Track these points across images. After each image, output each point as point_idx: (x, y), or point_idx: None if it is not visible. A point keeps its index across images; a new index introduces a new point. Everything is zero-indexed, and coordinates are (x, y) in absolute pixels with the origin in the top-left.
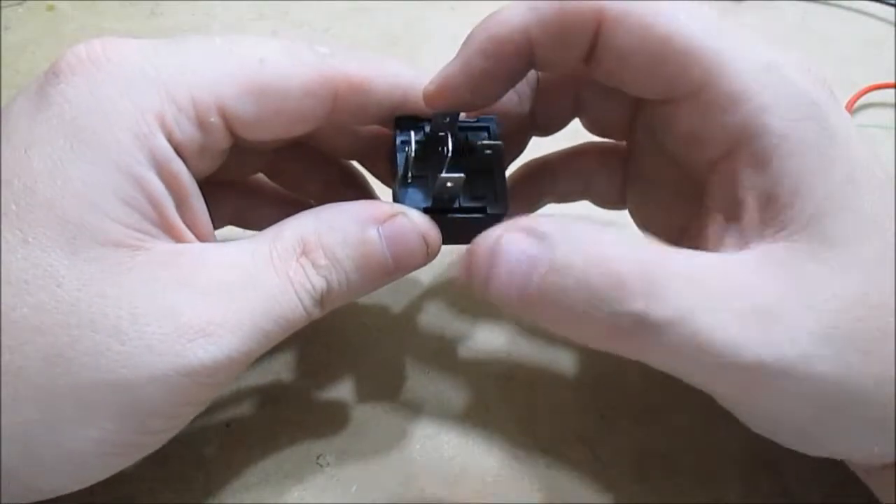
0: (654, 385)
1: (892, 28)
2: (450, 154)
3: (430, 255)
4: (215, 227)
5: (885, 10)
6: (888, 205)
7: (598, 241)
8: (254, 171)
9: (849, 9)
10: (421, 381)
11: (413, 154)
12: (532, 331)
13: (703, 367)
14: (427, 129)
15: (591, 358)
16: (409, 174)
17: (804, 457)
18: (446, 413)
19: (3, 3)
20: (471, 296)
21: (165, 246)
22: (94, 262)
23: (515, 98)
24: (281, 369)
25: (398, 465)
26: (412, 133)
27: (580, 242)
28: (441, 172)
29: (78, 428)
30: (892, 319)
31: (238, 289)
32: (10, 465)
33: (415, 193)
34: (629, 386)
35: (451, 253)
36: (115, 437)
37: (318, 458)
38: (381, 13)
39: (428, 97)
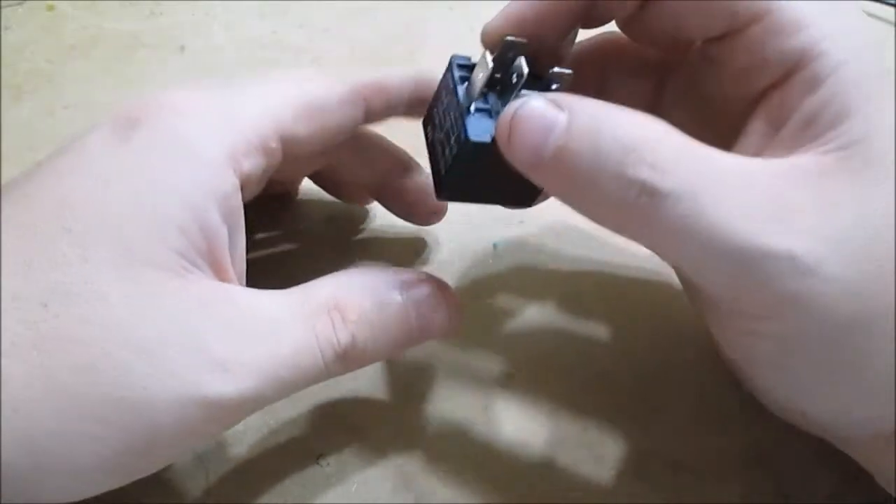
0: (654, 385)
1: (893, 28)
2: (524, 76)
3: (452, 322)
4: None
5: (885, 10)
6: None
7: (615, 112)
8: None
9: None
10: (421, 381)
11: (489, 72)
12: (533, 330)
13: (704, 250)
14: (489, 55)
15: (591, 358)
16: (473, 105)
17: (804, 457)
18: (446, 413)
19: (3, 3)
20: (471, 296)
21: (206, 280)
22: (140, 283)
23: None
24: None
25: (398, 465)
26: (483, 57)
27: (598, 111)
28: (514, 95)
29: (88, 442)
30: None
31: (264, 334)
32: (15, 470)
33: (479, 125)
34: (631, 385)
35: (454, 253)
36: (120, 457)
37: (318, 458)
38: (381, 13)
39: (488, 32)
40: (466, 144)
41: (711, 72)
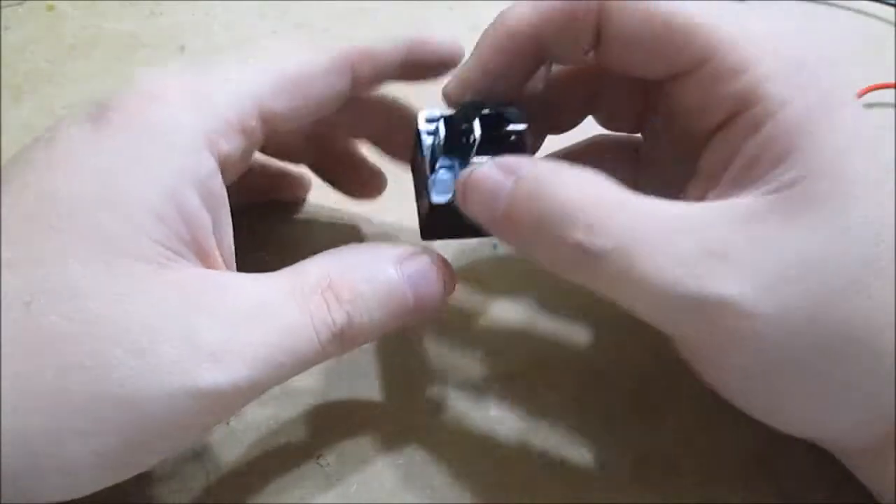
0: (654, 385)
1: (892, 28)
2: (477, 141)
3: (447, 294)
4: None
5: (885, 10)
6: (885, 175)
7: (555, 174)
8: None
9: (849, 9)
10: (421, 381)
11: (441, 142)
12: (532, 331)
13: (648, 299)
14: (443, 125)
15: (591, 358)
16: (438, 164)
17: (804, 457)
18: (447, 413)
19: (3, 3)
20: (471, 296)
21: (192, 268)
22: (123, 276)
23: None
24: None
25: (398, 465)
26: (440, 123)
27: (538, 174)
28: (470, 158)
29: (81, 440)
30: (853, 283)
31: (256, 319)
32: (10, 471)
33: (443, 182)
34: (629, 386)
35: (454, 253)
36: (115, 453)
37: (318, 458)
38: (381, 13)
39: (447, 95)
40: (431, 205)
41: (671, 107)
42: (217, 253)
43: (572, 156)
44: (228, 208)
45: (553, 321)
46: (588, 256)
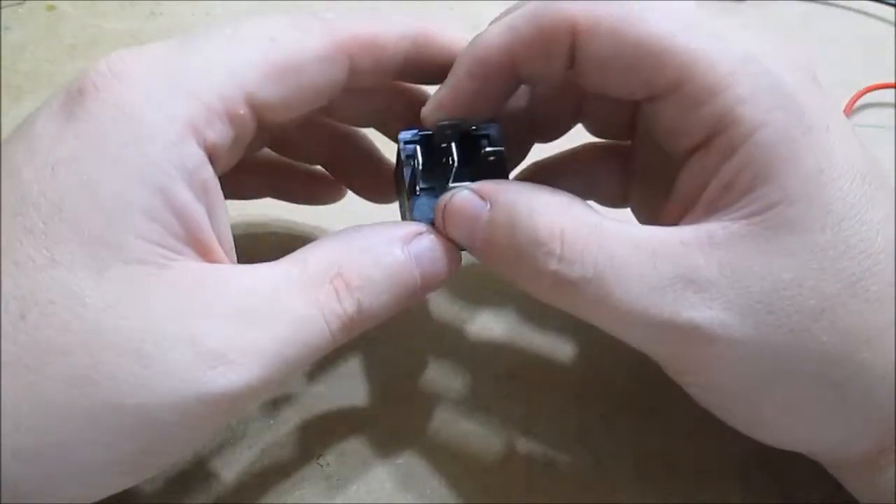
0: (654, 385)
1: (892, 28)
2: (455, 164)
3: (452, 272)
4: (247, 197)
5: (885, 10)
6: (862, 196)
7: (529, 202)
8: (259, 148)
9: (849, 9)
10: (421, 381)
11: (420, 166)
12: (533, 330)
13: (624, 325)
14: (420, 151)
15: (591, 358)
16: (417, 187)
17: (804, 457)
18: (446, 413)
19: (3, 3)
20: (471, 296)
21: (192, 265)
22: (118, 281)
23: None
24: None
25: (398, 465)
26: (417, 147)
27: (513, 201)
28: (448, 183)
29: (94, 450)
30: (829, 304)
31: (263, 315)
32: (22, 484)
33: (423, 206)
34: (629, 386)
35: None
36: (130, 459)
37: (318, 458)
38: (381, 13)
39: (424, 118)
40: None
41: (649, 127)
42: (217, 246)
43: (563, 161)
44: (223, 199)
45: (553, 321)
46: (564, 285)
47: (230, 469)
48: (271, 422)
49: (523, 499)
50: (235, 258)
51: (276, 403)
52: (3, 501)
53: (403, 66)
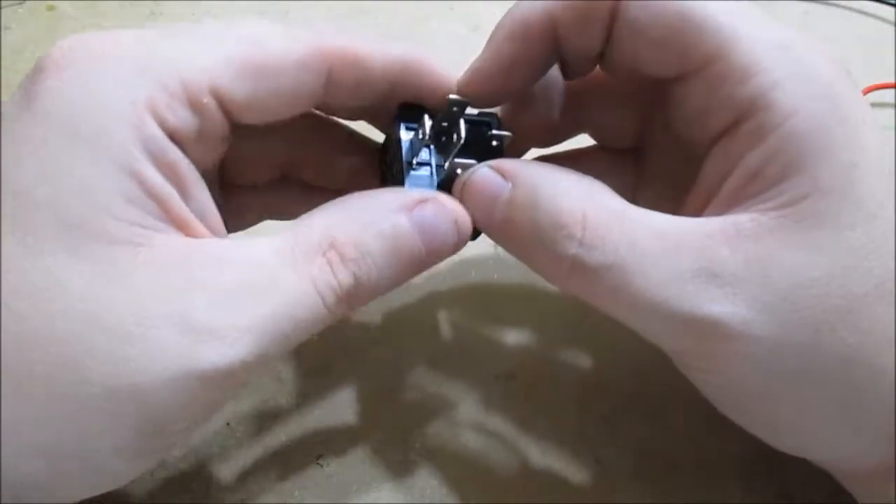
0: (654, 385)
1: (892, 28)
2: (462, 139)
3: (460, 243)
4: (247, 224)
5: (885, 10)
6: (891, 193)
7: (553, 184)
8: (270, 165)
9: (849, 9)
10: (421, 381)
11: (426, 135)
12: (533, 330)
13: (641, 315)
14: (428, 120)
15: (592, 358)
16: (415, 160)
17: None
18: (447, 413)
19: (3, 3)
20: (471, 296)
21: (175, 242)
22: (97, 263)
23: (547, 103)
24: (281, 369)
25: (398, 465)
26: (423, 118)
27: (536, 182)
28: (451, 158)
29: (100, 438)
30: (855, 305)
31: (255, 290)
32: (36, 479)
33: (417, 181)
34: (629, 386)
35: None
36: (136, 444)
37: (318, 458)
38: (381, 13)
39: (462, 88)
40: None
41: (675, 112)
42: (195, 221)
43: (572, 158)
44: (199, 179)
45: (553, 321)
46: (583, 270)
47: (230, 469)
48: (271, 422)
49: (523, 499)
50: (226, 234)
51: (277, 403)
52: (24, 497)
53: (391, 91)
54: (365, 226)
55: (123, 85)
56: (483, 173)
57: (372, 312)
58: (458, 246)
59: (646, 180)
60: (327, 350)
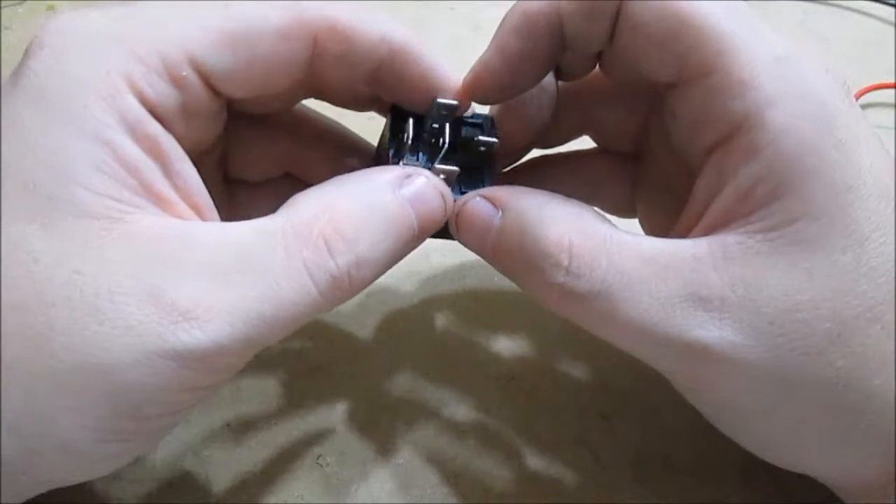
0: (654, 385)
1: (892, 28)
2: (446, 145)
3: (446, 213)
4: (264, 172)
5: (885, 10)
6: (888, 216)
7: (539, 211)
8: (271, 161)
9: (849, 9)
10: (421, 382)
11: (410, 139)
12: (533, 331)
13: (631, 340)
14: (412, 123)
15: (591, 359)
16: (402, 162)
17: None
18: (447, 413)
19: (3, 3)
20: (471, 296)
21: (153, 219)
22: (69, 236)
23: (537, 104)
24: (281, 369)
25: (398, 465)
26: (410, 119)
27: (524, 210)
28: (435, 163)
29: (68, 416)
30: (845, 329)
31: (235, 271)
32: (9, 457)
33: None
34: (629, 387)
35: (455, 255)
36: (111, 425)
37: (318, 458)
38: (381, 13)
39: (467, 86)
40: None
41: (671, 121)
42: (180, 202)
43: (569, 161)
44: (184, 156)
45: (553, 321)
46: (571, 297)
47: (230, 469)
48: (271, 422)
49: (523, 499)
50: (217, 217)
51: (277, 403)
52: (8, 480)
53: (377, 71)
54: (359, 202)
55: (97, 57)
56: (475, 203)
57: (372, 314)
58: (444, 218)
59: (644, 187)
60: (327, 350)
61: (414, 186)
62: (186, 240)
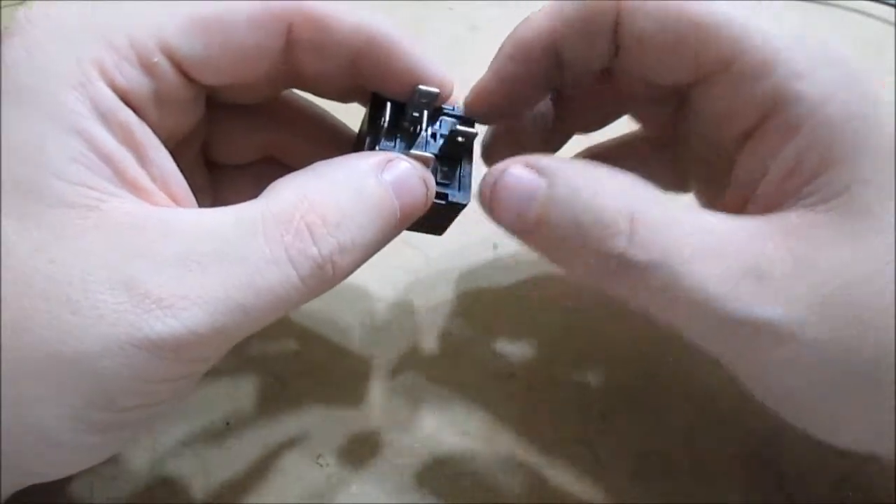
0: (654, 385)
1: (892, 28)
2: (423, 131)
3: (428, 201)
4: (247, 157)
5: (885, 10)
6: None
7: (595, 179)
8: (252, 145)
9: (849, 9)
10: (421, 381)
11: (386, 122)
12: (533, 330)
13: (690, 316)
14: (389, 109)
15: (591, 359)
16: (377, 147)
17: (804, 457)
18: (447, 413)
19: (3, 3)
20: (471, 296)
21: (129, 207)
22: (44, 226)
23: (531, 125)
24: (281, 369)
25: (398, 465)
26: (388, 104)
27: (577, 179)
28: (411, 149)
29: (45, 406)
30: None
31: (212, 259)
32: None
33: None
34: (629, 386)
35: (454, 256)
36: (87, 415)
37: (318, 458)
38: (380, 13)
39: (467, 107)
40: None
41: (696, 116)
42: (156, 190)
43: (615, 149)
44: (159, 144)
45: (552, 322)
46: (630, 269)
47: (230, 469)
48: (271, 422)
49: (523, 499)
50: (195, 205)
51: (276, 403)
52: None
53: (355, 60)
54: (341, 188)
55: (67, 45)
56: (517, 171)
57: (371, 314)
58: (426, 205)
59: (691, 168)
60: (327, 351)
61: (396, 172)
62: (162, 227)
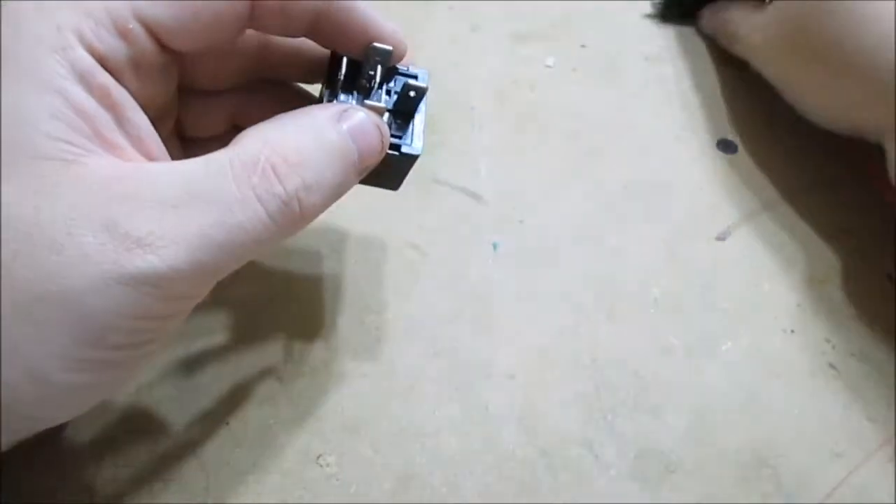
0: (654, 385)
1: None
2: (376, 83)
3: (384, 149)
4: (216, 130)
5: None
6: None
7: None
8: (223, 119)
9: None
10: (421, 381)
11: (342, 76)
12: (532, 330)
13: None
14: (344, 63)
15: (591, 358)
16: (335, 99)
17: (804, 456)
18: (446, 413)
19: (3, 3)
20: (471, 296)
21: (107, 160)
22: (26, 176)
23: None
24: (281, 368)
25: (398, 465)
26: (344, 59)
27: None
28: (367, 100)
29: (35, 345)
30: None
31: (185, 201)
32: None
33: None
34: (629, 386)
35: (454, 256)
36: (76, 353)
37: (318, 458)
38: (380, 13)
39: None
40: None
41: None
42: (130, 147)
43: None
44: (136, 104)
45: (552, 321)
46: None
47: (229, 469)
48: (271, 422)
49: (523, 499)
50: (169, 161)
51: (276, 403)
52: None
53: (315, 23)
54: (302, 134)
55: (47, 14)
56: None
57: (371, 313)
58: (382, 151)
59: None
60: (327, 350)
61: (352, 120)
62: (139, 176)
